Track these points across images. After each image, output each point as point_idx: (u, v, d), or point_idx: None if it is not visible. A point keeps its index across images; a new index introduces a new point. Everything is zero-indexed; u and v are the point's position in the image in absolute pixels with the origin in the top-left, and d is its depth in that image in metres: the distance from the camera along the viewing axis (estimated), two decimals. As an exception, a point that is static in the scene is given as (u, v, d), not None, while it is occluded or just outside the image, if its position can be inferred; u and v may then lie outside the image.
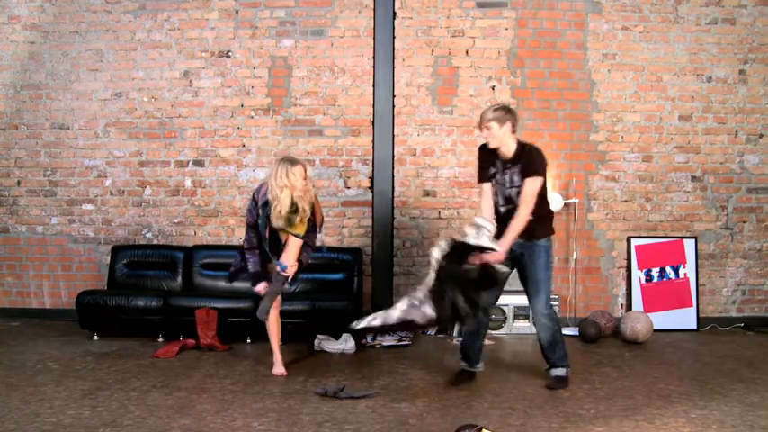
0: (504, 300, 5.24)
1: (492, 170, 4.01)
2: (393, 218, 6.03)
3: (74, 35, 6.14)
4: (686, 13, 6.04)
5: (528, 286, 4.03)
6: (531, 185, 3.85)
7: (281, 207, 4.09)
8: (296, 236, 4.22)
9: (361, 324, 3.78)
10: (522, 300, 5.43)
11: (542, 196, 3.95)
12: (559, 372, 4.05)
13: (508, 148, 3.93)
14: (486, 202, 4.04)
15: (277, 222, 4.15)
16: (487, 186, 4.03)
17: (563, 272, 6.03)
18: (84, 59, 6.14)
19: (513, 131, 3.92)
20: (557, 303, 5.77)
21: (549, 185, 4.18)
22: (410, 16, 6.01)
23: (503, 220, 3.92)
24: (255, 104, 6.08)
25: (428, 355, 4.96)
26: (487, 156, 4.03)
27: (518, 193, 3.90)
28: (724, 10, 6.05)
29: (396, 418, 3.42)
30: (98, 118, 6.15)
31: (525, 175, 3.87)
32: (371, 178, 6.03)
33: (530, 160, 3.89)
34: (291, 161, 4.16)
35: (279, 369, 4.32)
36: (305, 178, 4.15)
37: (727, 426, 3.33)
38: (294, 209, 4.13)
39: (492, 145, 3.96)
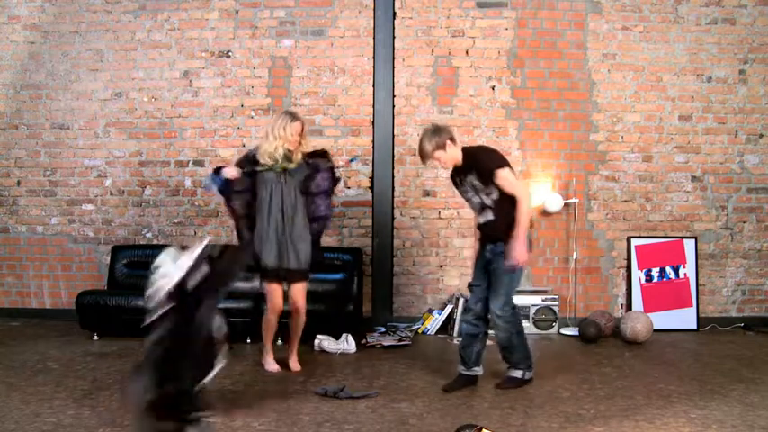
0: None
1: (459, 189, 4.10)
2: (393, 218, 6.03)
3: (74, 35, 6.14)
4: (686, 13, 6.05)
5: (489, 287, 4.01)
6: (504, 179, 3.86)
7: (268, 151, 4.19)
8: (282, 172, 4.23)
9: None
10: (521, 301, 5.52)
11: (511, 200, 3.89)
12: (515, 373, 4.04)
13: (458, 161, 3.97)
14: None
15: (265, 159, 4.20)
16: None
17: (563, 272, 6.03)
18: (84, 59, 6.14)
19: (454, 143, 3.92)
20: (556, 303, 5.78)
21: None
22: (410, 16, 6.01)
23: (484, 231, 4.01)
24: (255, 104, 6.08)
25: (428, 355, 4.96)
26: (452, 176, 4.11)
27: (484, 200, 3.94)
28: (724, 10, 6.05)
29: (396, 418, 3.42)
30: (98, 118, 6.15)
31: (490, 177, 3.87)
32: (371, 178, 6.03)
33: (480, 162, 3.91)
34: (293, 116, 4.27)
35: (272, 366, 4.36)
36: (300, 134, 4.23)
37: (727, 426, 3.33)
38: (288, 158, 4.23)
39: (448, 167, 4.03)
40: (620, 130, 6.06)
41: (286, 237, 4.23)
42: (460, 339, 4.18)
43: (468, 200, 4.06)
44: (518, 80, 6.03)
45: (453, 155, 3.93)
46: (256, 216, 4.27)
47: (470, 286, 4.15)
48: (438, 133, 3.90)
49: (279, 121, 4.24)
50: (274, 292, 4.31)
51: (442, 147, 3.88)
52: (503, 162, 3.91)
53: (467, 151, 3.99)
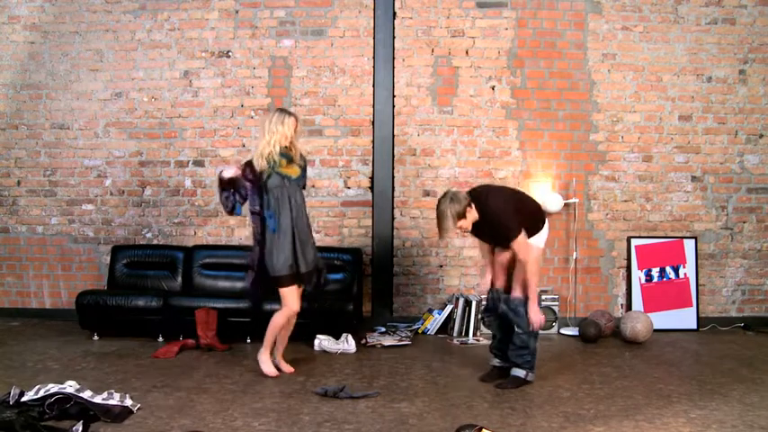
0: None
1: (473, 235, 4.17)
2: (393, 218, 6.03)
3: (74, 35, 6.14)
4: (686, 13, 6.04)
5: (508, 290, 4.17)
6: (517, 245, 3.94)
7: (264, 153, 4.14)
8: (287, 176, 4.20)
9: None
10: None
11: (530, 212, 4.11)
12: (519, 372, 4.05)
13: (476, 218, 3.98)
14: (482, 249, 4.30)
15: (259, 162, 4.15)
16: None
17: (563, 272, 6.03)
18: (84, 59, 6.14)
19: (471, 206, 3.92)
20: (556, 303, 5.78)
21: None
22: (410, 16, 6.01)
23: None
24: (255, 104, 6.08)
25: (428, 355, 4.96)
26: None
27: (504, 240, 4.03)
28: (724, 10, 6.05)
29: (396, 418, 3.42)
30: (98, 118, 6.15)
31: (507, 239, 3.96)
32: (371, 178, 6.03)
33: (500, 228, 3.96)
34: (287, 112, 4.26)
35: (272, 369, 4.28)
36: (296, 130, 4.24)
37: (727, 426, 3.33)
38: (288, 157, 4.23)
39: (468, 231, 4.03)
40: (620, 130, 6.06)
41: (297, 239, 4.19)
42: (496, 335, 4.23)
43: (486, 240, 4.19)
44: (518, 80, 6.03)
45: (473, 217, 3.94)
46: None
47: (489, 291, 4.26)
48: (456, 200, 3.87)
49: (274, 117, 4.22)
50: (293, 294, 4.22)
51: (462, 215, 3.88)
52: (519, 226, 3.93)
53: (483, 208, 3.96)
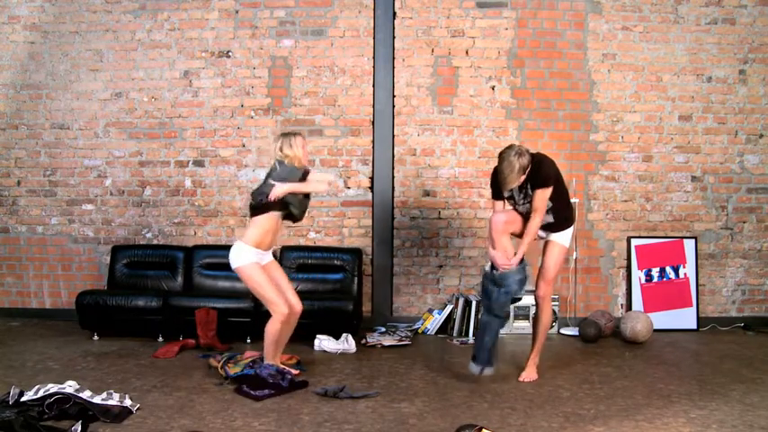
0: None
1: (506, 193, 4.17)
2: (393, 218, 6.03)
3: (74, 35, 6.14)
4: (686, 13, 6.05)
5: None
6: (540, 195, 4.02)
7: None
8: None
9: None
10: (522, 300, 5.53)
11: (561, 200, 4.16)
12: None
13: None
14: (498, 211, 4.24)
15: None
16: (499, 203, 4.23)
17: (563, 272, 6.02)
18: (84, 59, 6.14)
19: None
20: (556, 303, 5.79)
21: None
22: (410, 16, 6.01)
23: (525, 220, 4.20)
24: (255, 104, 6.08)
25: (428, 355, 4.96)
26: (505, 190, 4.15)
27: (540, 185, 4.06)
28: (724, 10, 6.05)
29: (396, 418, 3.43)
30: (98, 118, 6.15)
31: (534, 187, 4.04)
32: (371, 178, 6.03)
33: (538, 174, 4.02)
34: (293, 134, 4.25)
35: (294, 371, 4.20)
36: (304, 147, 4.24)
37: (727, 426, 3.33)
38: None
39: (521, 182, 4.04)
40: (620, 130, 6.06)
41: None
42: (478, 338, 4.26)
43: (516, 205, 4.18)
44: (518, 80, 6.03)
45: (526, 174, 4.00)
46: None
47: None
48: (523, 154, 3.91)
49: (281, 143, 4.18)
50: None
51: (526, 169, 3.94)
52: (551, 181, 4.04)
53: (534, 163, 4.00)
